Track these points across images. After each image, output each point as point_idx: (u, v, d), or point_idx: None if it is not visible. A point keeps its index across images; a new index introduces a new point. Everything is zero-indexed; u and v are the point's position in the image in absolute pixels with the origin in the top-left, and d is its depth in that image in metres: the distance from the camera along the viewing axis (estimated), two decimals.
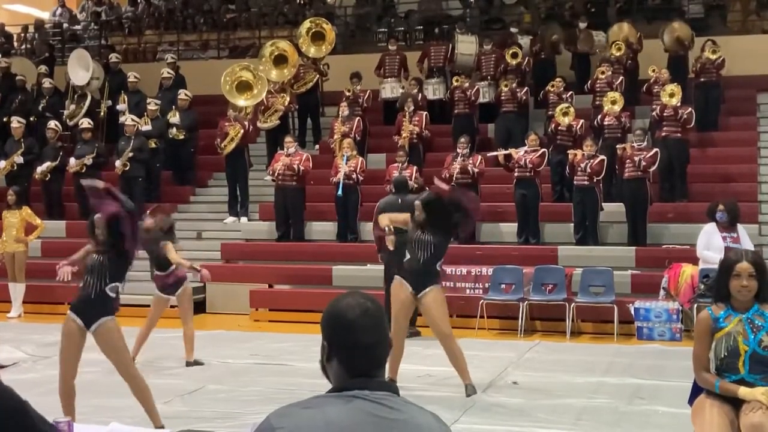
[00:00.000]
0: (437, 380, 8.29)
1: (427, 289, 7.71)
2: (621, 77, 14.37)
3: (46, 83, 16.81)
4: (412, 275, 7.74)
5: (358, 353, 2.28)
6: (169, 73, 16.21)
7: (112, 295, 6.26)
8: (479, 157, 12.93)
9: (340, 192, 13.02)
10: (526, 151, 12.58)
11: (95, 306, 6.26)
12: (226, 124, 14.21)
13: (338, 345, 2.30)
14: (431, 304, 7.73)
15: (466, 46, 15.75)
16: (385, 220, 8.54)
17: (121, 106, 15.98)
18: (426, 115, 14.43)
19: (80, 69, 16.44)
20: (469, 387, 7.75)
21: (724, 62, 14.36)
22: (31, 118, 16.23)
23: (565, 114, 13.23)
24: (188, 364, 9.09)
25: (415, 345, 9.73)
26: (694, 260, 10.85)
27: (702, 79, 14.42)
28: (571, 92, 14.57)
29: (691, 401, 4.74)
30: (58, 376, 6.40)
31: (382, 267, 10.64)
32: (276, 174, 13.35)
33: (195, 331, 9.33)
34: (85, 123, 15.03)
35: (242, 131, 14.09)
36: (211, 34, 19.98)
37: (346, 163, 13.14)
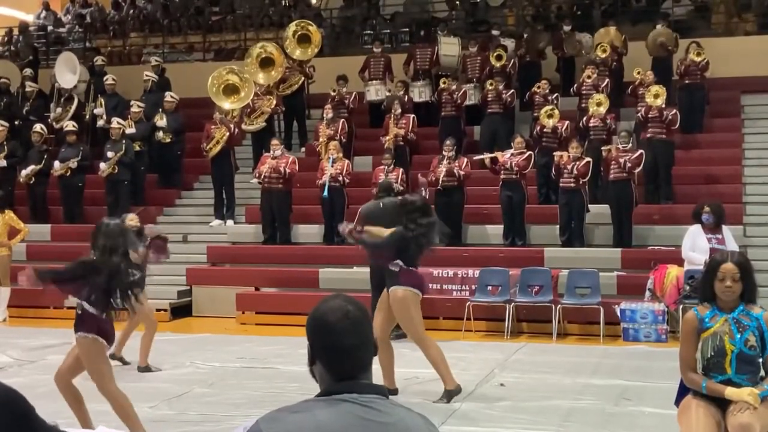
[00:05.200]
0: (424, 382, 8.28)
1: (390, 290, 7.66)
2: (606, 79, 14.42)
3: (31, 86, 16.72)
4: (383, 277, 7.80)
5: (339, 356, 2.30)
6: (150, 75, 16.13)
7: (92, 311, 6.10)
8: (465, 159, 12.94)
9: (326, 194, 13.00)
10: (512, 154, 12.60)
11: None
12: (212, 126, 14.17)
13: (320, 348, 2.32)
14: (393, 306, 7.66)
15: (449, 47, 15.76)
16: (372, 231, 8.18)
17: (99, 110, 15.90)
18: (413, 117, 14.42)
19: (67, 72, 16.37)
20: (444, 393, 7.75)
21: (708, 64, 14.43)
22: (16, 122, 16.15)
23: (550, 116, 13.26)
24: (140, 369, 8.93)
25: (403, 347, 9.73)
26: (680, 261, 10.89)
27: (686, 81, 14.48)
28: (556, 94, 14.60)
29: (677, 402, 4.76)
30: (62, 384, 6.45)
31: (368, 269, 10.59)
32: (262, 177, 13.33)
33: (180, 335, 9.32)
34: (70, 126, 14.98)
35: (228, 134, 14.06)
36: (196, 36, 19.94)
37: (332, 166, 13.13)
